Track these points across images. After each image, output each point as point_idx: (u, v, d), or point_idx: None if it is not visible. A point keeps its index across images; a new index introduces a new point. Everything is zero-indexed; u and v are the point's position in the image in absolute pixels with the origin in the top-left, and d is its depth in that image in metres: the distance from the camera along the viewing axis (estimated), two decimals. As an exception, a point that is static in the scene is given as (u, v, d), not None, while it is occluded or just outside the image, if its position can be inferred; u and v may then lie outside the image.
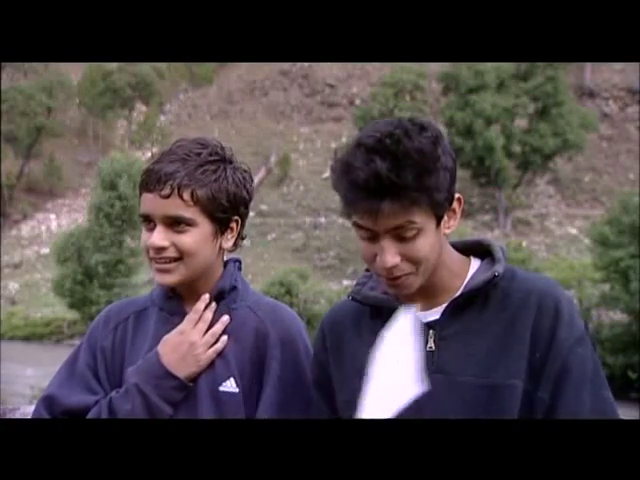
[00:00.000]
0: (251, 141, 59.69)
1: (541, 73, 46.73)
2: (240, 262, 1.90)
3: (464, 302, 1.55)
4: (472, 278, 1.58)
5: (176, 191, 1.69)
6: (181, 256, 1.73)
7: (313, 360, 1.73)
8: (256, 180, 52.49)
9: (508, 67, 46.74)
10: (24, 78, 65.38)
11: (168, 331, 1.79)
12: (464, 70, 45.97)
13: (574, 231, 47.08)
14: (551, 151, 47.37)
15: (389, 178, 1.41)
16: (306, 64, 65.13)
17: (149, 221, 1.73)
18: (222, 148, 1.78)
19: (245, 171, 1.81)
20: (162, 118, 67.05)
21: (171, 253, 1.72)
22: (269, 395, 1.74)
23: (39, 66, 64.16)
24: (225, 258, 1.88)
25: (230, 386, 1.74)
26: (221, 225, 1.77)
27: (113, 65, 61.73)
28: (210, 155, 1.74)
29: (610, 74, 58.13)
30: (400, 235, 1.47)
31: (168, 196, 1.69)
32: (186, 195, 1.69)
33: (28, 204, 59.49)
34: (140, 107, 67.68)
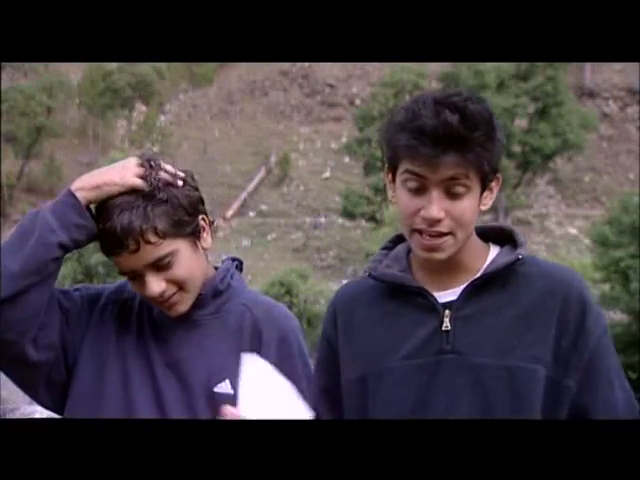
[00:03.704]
0: (251, 141, 59.60)
1: (541, 73, 46.65)
2: (241, 262, 1.89)
3: (483, 284, 1.55)
4: (493, 261, 1.58)
5: (141, 240, 1.66)
6: (181, 286, 1.72)
7: (320, 338, 1.71)
8: (256, 180, 52.97)
9: (508, 67, 46.62)
10: (24, 78, 65.24)
11: (169, 325, 1.78)
12: (464, 70, 45.87)
13: (574, 231, 47.04)
14: (551, 151, 47.28)
15: (459, 131, 1.45)
16: (306, 64, 64.98)
17: (134, 276, 1.72)
18: (148, 160, 1.72)
19: (184, 171, 1.75)
20: (162, 118, 66.93)
21: (171, 290, 1.72)
22: None
23: (39, 66, 63.99)
24: (224, 257, 1.88)
25: (225, 387, 1.73)
26: (194, 234, 1.75)
27: (113, 65, 61.53)
28: (150, 184, 1.69)
29: (610, 74, 58.08)
30: (450, 190, 1.49)
31: (137, 249, 1.66)
32: (152, 237, 1.67)
33: (28, 204, 59.24)
34: (140, 107, 67.53)
